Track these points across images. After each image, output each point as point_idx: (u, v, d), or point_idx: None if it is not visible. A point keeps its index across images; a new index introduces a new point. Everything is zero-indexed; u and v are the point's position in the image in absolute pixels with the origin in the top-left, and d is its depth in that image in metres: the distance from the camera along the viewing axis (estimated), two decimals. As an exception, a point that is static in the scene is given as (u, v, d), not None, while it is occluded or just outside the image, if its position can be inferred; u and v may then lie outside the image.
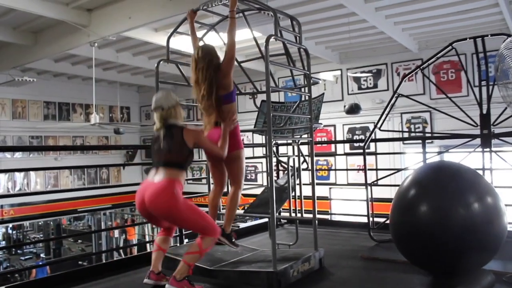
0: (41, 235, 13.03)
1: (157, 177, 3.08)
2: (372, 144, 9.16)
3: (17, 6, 6.91)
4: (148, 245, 10.78)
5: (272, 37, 3.39)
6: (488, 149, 4.62)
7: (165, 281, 3.11)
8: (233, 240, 3.58)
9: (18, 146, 13.44)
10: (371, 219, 4.89)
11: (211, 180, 3.91)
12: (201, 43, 3.89)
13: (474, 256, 3.09)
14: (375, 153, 9.39)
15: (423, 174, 3.49)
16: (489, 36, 4.65)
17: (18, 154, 12.81)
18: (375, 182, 5.19)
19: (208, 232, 3.09)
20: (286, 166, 4.16)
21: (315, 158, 3.88)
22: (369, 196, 4.95)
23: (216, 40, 4.39)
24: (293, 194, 4.09)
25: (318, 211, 3.78)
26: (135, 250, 10.87)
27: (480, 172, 4.66)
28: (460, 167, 3.45)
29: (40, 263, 11.18)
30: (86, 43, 8.36)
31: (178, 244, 4.60)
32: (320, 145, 11.43)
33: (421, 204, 3.17)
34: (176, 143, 3.11)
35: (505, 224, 3.16)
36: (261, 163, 11.81)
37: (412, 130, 10.25)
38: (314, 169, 3.80)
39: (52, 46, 8.86)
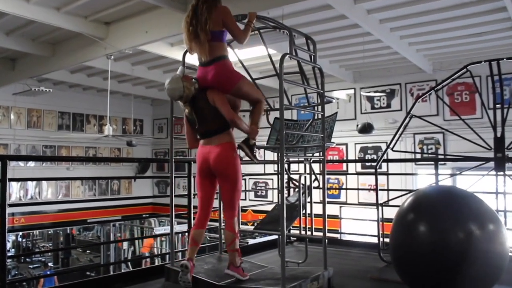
0: (51, 244, 13.07)
1: (213, 143, 3.37)
2: (384, 164, 9.11)
3: (37, 18, 7.05)
4: (156, 259, 10.76)
5: (287, 56, 3.42)
6: (501, 173, 4.58)
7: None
8: (255, 154, 3.55)
9: (32, 156, 13.59)
10: (381, 239, 4.85)
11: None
12: None
13: (474, 282, 3.05)
14: (386, 173, 9.34)
15: (424, 197, 3.46)
16: (505, 59, 4.64)
17: (31, 163, 12.94)
18: (386, 203, 5.16)
19: (235, 205, 3.45)
20: (297, 183, 4.16)
21: (326, 176, 3.87)
22: (380, 216, 4.92)
23: (230, 56, 4.43)
24: (304, 212, 4.08)
25: (328, 229, 3.76)
26: (143, 263, 10.83)
27: (493, 196, 4.63)
28: (462, 192, 3.43)
29: (48, 273, 11.17)
30: (102, 55, 8.48)
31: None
32: (331, 163, 11.39)
33: (420, 227, 3.14)
34: (209, 111, 3.35)
35: (507, 249, 3.11)
36: (272, 179, 11.81)
37: (425, 151, 10.19)
38: (326, 187, 3.79)
39: (69, 57, 8.99)
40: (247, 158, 3.56)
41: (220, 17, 3.38)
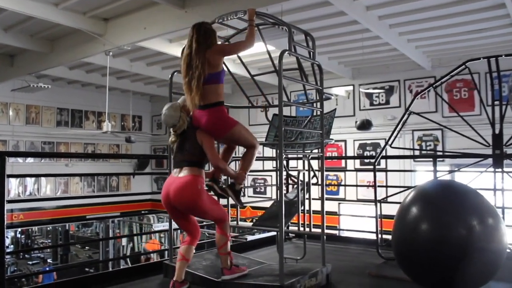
0: (49, 241, 13.08)
1: (181, 174, 3.30)
2: (382, 161, 9.11)
3: (36, 14, 7.02)
4: (154, 254, 10.77)
5: (286, 52, 3.41)
6: (500, 170, 4.59)
7: (187, 285, 3.34)
8: (241, 199, 3.52)
9: (30, 152, 13.57)
10: (379, 236, 4.86)
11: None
12: None
13: (473, 276, 3.08)
14: (385, 170, 9.35)
15: (425, 192, 3.48)
16: (503, 56, 4.63)
17: (29, 159, 12.94)
18: (385, 199, 5.16)
19: (223, 218, 3.45)
20: (296, 180, 4.16)
21: (324, 173, 3.88)
22: (378, 212, 4.92)
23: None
24: (302, 208, 4.08)
25: (326, 226, 3.76)
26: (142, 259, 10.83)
27: (491, 192, 4.64)
28: (463, 187, 3.45)
29: (47, 269, 11.18)
30: (101, 51, 8.47)
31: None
32: (330, 160, 11.39)
33: (422, 222, 3.17)
34: (191, 144, 3.34)
35: (505, 245, 3.14)
36: (271, 176, 11.81)
37: (423, 147, 10.19)
38: (324, 184, 3.80)
39: (68, 54, 8.97)
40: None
41: (219, 56, 3.36)
